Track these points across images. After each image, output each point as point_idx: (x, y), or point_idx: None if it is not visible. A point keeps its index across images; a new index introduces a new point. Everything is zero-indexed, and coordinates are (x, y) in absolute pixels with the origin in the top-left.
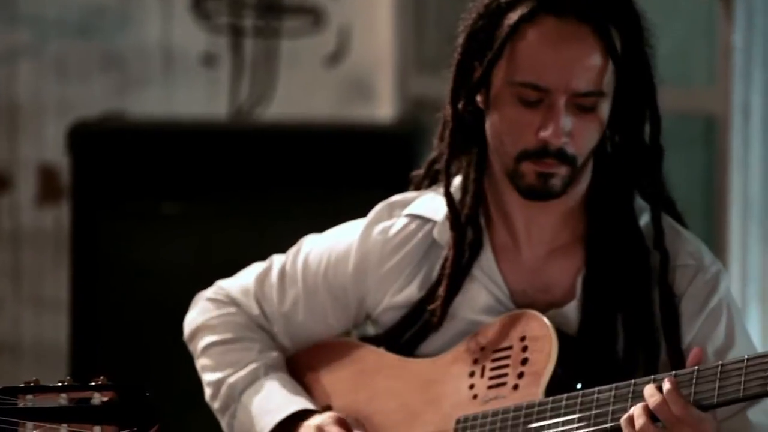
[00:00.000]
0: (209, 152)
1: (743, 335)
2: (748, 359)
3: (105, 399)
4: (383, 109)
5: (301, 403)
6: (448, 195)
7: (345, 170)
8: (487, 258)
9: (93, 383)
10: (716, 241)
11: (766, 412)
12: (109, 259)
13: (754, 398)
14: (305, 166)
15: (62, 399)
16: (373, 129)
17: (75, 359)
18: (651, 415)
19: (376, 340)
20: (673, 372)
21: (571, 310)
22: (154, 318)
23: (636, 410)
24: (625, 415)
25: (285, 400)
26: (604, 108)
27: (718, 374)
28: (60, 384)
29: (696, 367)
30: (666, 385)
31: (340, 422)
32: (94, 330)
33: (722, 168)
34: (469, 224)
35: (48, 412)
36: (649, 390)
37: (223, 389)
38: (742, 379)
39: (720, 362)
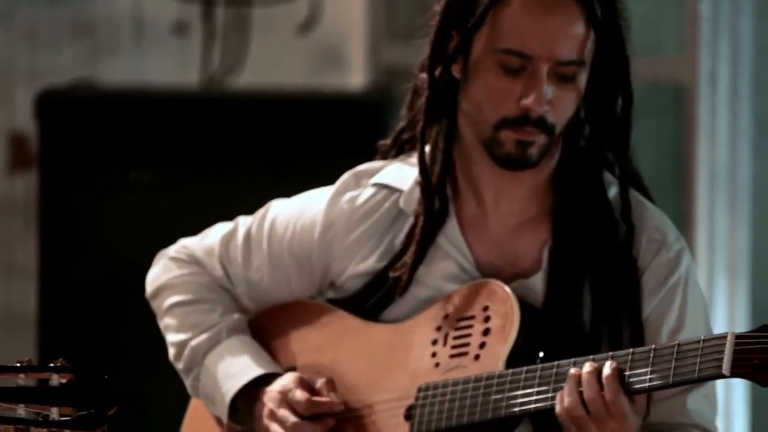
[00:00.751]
0: (180, 120)
1: (695, 319)
2: (704, 340)
3: (63, 381)
4: (355, 77)
5: (263, 367)
6: (422, 160)
7: (316, 138)
8: (453, 228)
9: (51, 364)
10: (683, 210)
11: (705, 397)
12: (78, 227)
13: (707, 380)
14: (277, 134)
15: (20, 379)
16: (344, 97)
17: (44, 328)
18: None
19: (340, 305)
20: (631, 350)
21: (537, 281)
22: (125, 286)
23: (568, 385)
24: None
25: (248, 364)
26: (583, 78)
27: (675, 354)
28: (18, 365)
29: (653, 346)
30: (606, 371)
31: (302, 384)
32: (64, 299)
33: (689, 137)
34: (436, 193)
35: (5, 393)
36: (587, 377)
37: (186, 351)
38: (698, 360)
39: (677, 342)
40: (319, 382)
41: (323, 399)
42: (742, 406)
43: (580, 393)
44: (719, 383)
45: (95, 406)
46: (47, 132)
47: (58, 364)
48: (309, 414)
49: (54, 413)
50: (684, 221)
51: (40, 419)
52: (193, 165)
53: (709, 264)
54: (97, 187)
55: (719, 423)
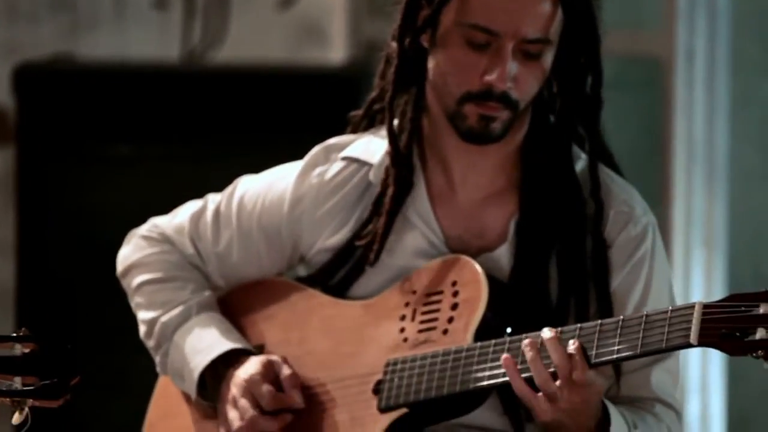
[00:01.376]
0: (161, 95)
1: (659, 292)
2: (671, 310)
3: (26, 350)
4: (336, 52)
5: (232, 342)
6: (390, 129)
7: (297, 113)
8: (421, 200)
9: (14, 334)
10: (661, 185)
11: (668, 372)
12: (57, 202)
13: (675, 349)
14: (257, 108)
15: None
16: (324, 72)
17: (22, 303)
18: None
19: (308, 281)
20: (599, 321)
21: (503, 253)
22: (103, 261)
23: (529, 353)
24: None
25: (216, 339)
26: (549, 57)
27: (643, 324)
28: None
29: (621, 317)
30: (571, 347)
31: (268, 374)
32: (42, 273)
33: (666, 111)
34: (403, 163)
35: None
36: (552, 344)
37: (156, 328)
38: (666, 329)
39: (644, 312)
40: (283, 374)
41: (286, 397)
42: (718, 381)
43: (547, 366)
44: (696, 358)
45: (58, 376)
46: (25, 106)
47: (21, 334)
48: (270, 409)
49: (17, 383)
50: (661, 195)
51: (3, 389)
52: (173, 139)
53: (685, 238)
54: (76, 161)
55: (696, 397)
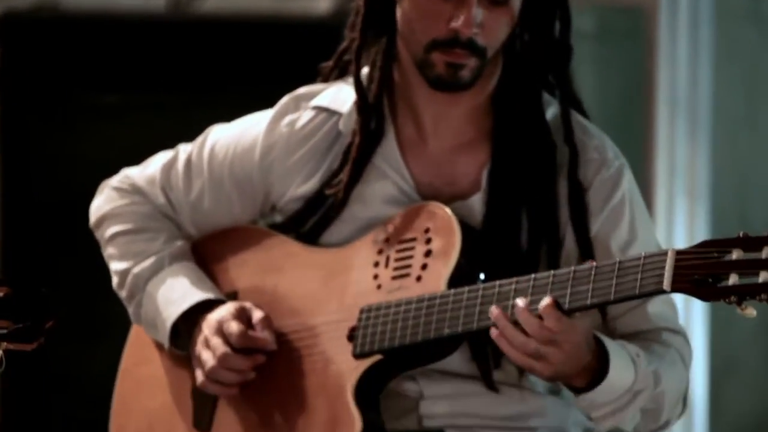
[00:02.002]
0: (147, 45)
1: (645, 229)
2: (645, 256)
3: (0, 294)
4: (322, 1)
5: (204, 293)
6: (357, 80)
7: (282, 62)
8: (391, 149)
9: None
10: (644, 134)
11: (664, 302)
12: (42, 152)
13: (648, 296)
14: (243, 58)
15: None
16: (310, 21)
17: (6, 251)
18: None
19: (280, 228)
20: (572, 268)
21: (476, 202)
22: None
23: (509, 331)
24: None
25: (189, 290)
26: (516, 2)
27: (616, 271)
28: None
29: (594, 264)
30: (544, 302)
31: (240, 315)
32: (27, 222)
33: (650, 61)
34: (372, 112)
35: None
36: (523, 316)
37: (129, 279)
38: (639, 276)
39: (617, 259)
40: (255, 317)
41: (257, 335)
42: (701, 325)
43: (523, 330)
44: (679, 303)
45: (32, 319)
46: (10, 55)
47: None
48: (241, 347)
49: None
50: (644, 145)
51: None
52: (160, 89)
53: (668, 187)
54: (62, 111)
55: None
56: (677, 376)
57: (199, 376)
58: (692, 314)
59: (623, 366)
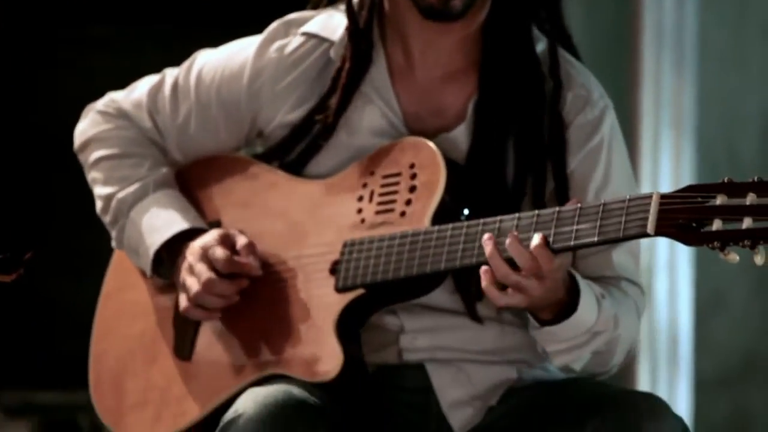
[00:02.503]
0: None
1: (620, 176)
2: (629, 199)
3: None
4: None
5: (188, 221)
6: (348, 5)
7: None
8: (381, 77)
9: None
10: (630, 68)
11: (629, 253)
12: (31, 84)
13: (632, 239)
14: None
15: None
16: None
17: None
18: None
19: (266, 157)
20: (557, 209)
21: (461, 133)
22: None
23: (494, 260)
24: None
25: (173, 218)
26: None
27: (600, 213)
28: None
29: (578, 205)
30: (535, 241)
31: (224, 241)
32: (15, 156)
33: None
34: (362, 38)
35: None
36: (515, 248)
37: (113, 204)
38: (623, 219)
39: (602, 201)
40: (240, 243)
41: (242, 260)
42: (686, 259)
43: (509, 261)
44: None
45: (11, 251)
46: None
47: None
48: (226, 272)
49: None
50: (630, 79)
51: None
52: (149, 20)
53: (654, 121)
54: (52, 43)
55: (664, 276)
56: (632, 324)
57: (183, 301)
58: (677, 249)
59: (589, 305)
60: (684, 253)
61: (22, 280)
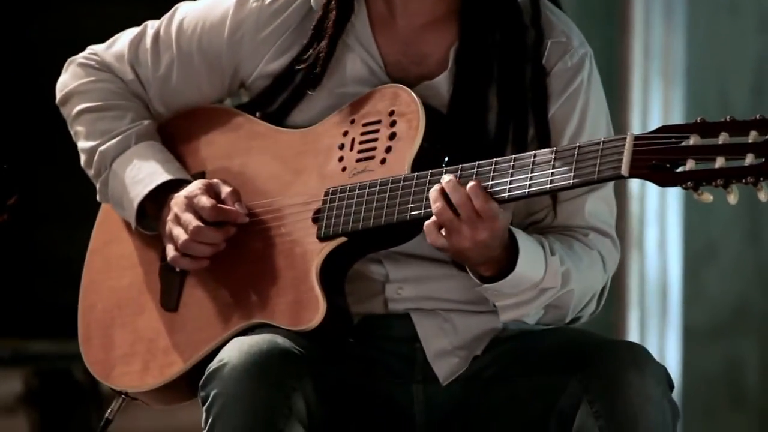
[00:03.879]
0: None
1: (596, 122)
2: (604, 141)
3: None
4: None
5: (171, 173)
6: None
7: None
8: (362, 26)
9: None
10: (619, 18)
11: (602, 200)
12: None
13: (607, 180)
14: None
15: None
16: None
17: None
18: (451, 205)
19: (248, 107)
20: (533, 152)
21: (442, 81)
22: None
23: (433, 194)
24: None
25: (156, 169)
26: None
27: (575, 155)
28: None
29: (554, 148)
30: (471, 182)
31: (209, 190)
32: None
33: None
34: None
35: None
36: (450, 185)
37: (96, 157)
38: (598, 161)
39: (577, 144)
40: (225, 192)
41: (228, 207)
42: (676, 210)
43: (447, 201)
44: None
45: None
46: None
47: None
48: (213, 220)
49: None
50: (619, 29)
51: None
52: None
53: (644, 71)
54: None
55: (654, 227)
56: (590, 277)
57: (170, 251)
58: (667, 199)
59: (533, 263)
60: (674, 204)
61: (13, 229)
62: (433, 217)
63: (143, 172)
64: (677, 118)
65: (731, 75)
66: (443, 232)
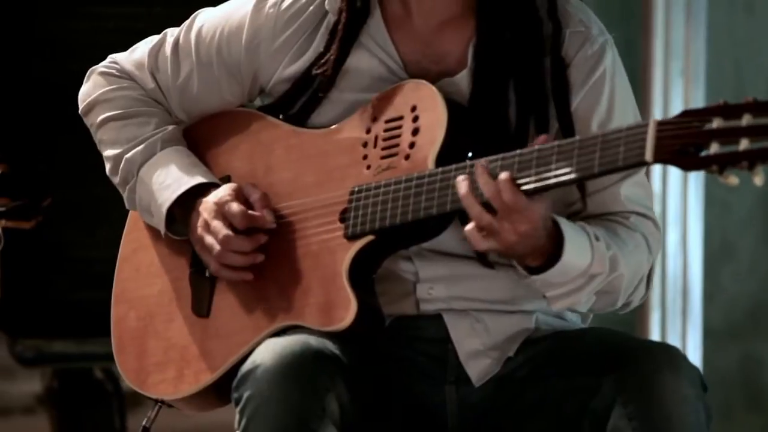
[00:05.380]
0: None
1: (622, 110)
2: (627, 128)
3: None
4: None
5: (199, 177)
6: None
7: None
8: (377, 27)
9: None
10: (642, 16)
11: (638, 184)
12: (36, 34)
13: (632, 167)
14: None
15: None
16: None
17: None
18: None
19: (270, 110)
20: (557, 143)
21: (463, 78)
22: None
23: (462, 189)
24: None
25: (183, 174)
26: None
27: (599, 144)
28: None
29: (578, 138)
30: (502, 176)
31: (238, 196)
32: (25, 105)
33: None
34: None
35: None
36: (483, 179)
37: (122, 165)
38: (621, 148)
39: (600, 132)
40: (253, 196)
41: (256, 214)
42: (698, 209)
43: (480, 199)
44: (676, 186)
45: (30, 197)
46: None
47: None
48: (243, 227)
49: None
50: (642, 28)
51: None
52: None
53: (665, 70)
54: None
55: (676, 226)
56: (637, 260)
57: (211, 262)
58: (689, 200)
59: (579, 250)
60: (695, 204)
61: (42, 231)
62: (471, 223)
63: (171, 177)
64: None
65: (748, 74)
66: (485, 234)
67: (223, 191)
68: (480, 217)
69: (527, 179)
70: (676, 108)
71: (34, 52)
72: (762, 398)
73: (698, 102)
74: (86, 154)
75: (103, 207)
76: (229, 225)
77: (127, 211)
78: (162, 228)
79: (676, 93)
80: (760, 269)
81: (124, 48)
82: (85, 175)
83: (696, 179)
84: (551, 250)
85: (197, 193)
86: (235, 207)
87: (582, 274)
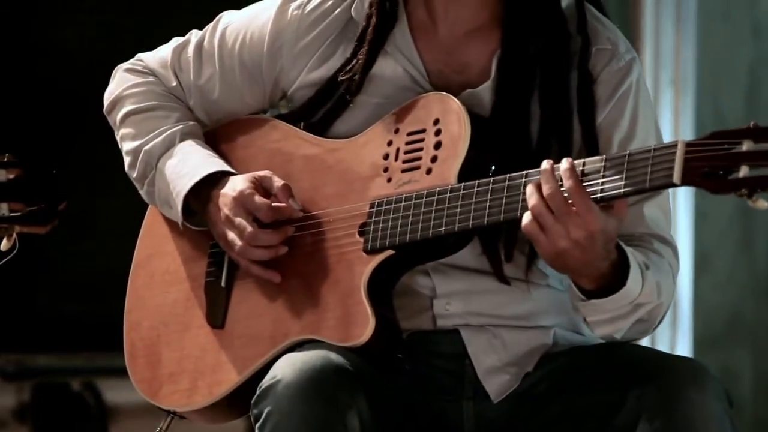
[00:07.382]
0: None
1: (646, 127)
2: (654, 149)
3: (11, 176)
4: None
5: (216, 165)
6: None
7: None
8: (403, 35)
9: None
10: (630, 25)
11: (659, 207)
12: (50, 37)
13: (658, 189)
14: None
15: None
16: None
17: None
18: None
19: (291, 117)
20: (582, 161)
21: (486, 90)
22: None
23: (529, 187)
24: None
25: (200, 163)
26: None
27: (626, 164)
28: None
29: (604, 156)
30: (564, 165)
31: (258, 188)
32: (22, 99)
33: None
34: None
35: None
36: (545, 175)
37: (141, 157)
38: (649, 169)
39: (627, 151)
40: (276, 186)
41: (282, 205)
42: (687, 220)
43: (540, 193)
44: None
45: (45, 201)
46: None
47: (6, 160)
48: (269, 221)
49: (4, 209)
50: (631, 36)
51: None
52: None
53: (655, 78)
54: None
55: None
56: (671, 288)
57: (240, 260)
58: (677, 212)
59: (635, 278)
60: (685, 216)
61: (21, 242)
62: (528, 214)
63: (187, 167)
64: (688, 125)
65: (725, 84)
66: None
67: (242, 183)
68: (543, 217)
69: None
70: (666, 117)
71: (35, 56)
72: (738, 408)
73: (687, 111)
74: (68, 168)
75: (84, 220)
76: (254, 219)
77: (113, 226)
78: (179, 218)
79: (665, 102)
80: (736, 279)
81: (131, 54)
82: (72, 187)
83: (686, 191)
84: (609, 277)
85: (214, 184)
86: (259, 200)
87: (632, 302)
